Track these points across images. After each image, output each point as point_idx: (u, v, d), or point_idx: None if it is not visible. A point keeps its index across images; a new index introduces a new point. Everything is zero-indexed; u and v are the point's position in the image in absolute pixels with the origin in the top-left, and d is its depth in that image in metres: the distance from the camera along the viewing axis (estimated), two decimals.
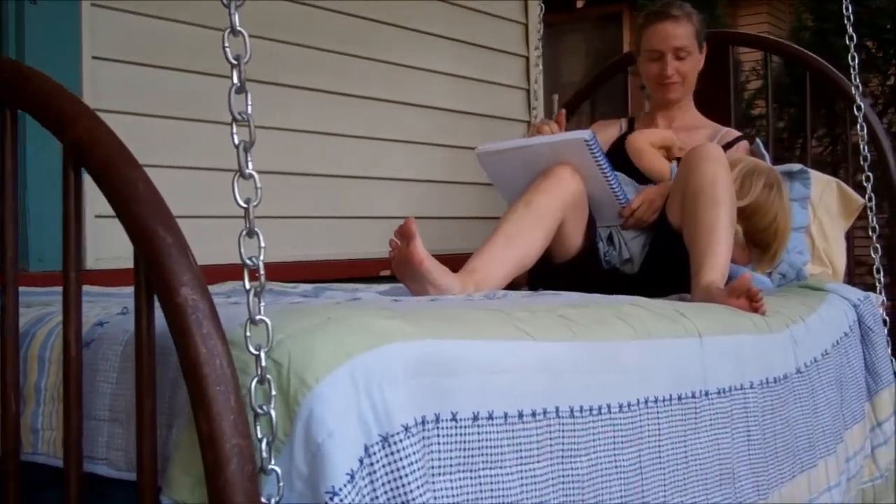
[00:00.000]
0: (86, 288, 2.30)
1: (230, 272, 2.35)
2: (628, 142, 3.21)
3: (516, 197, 2.82)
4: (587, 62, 10.60)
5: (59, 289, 2.16)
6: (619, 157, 3.23)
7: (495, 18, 4.63)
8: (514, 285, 2.91)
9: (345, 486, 1.23)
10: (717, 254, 2.59)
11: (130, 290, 2.21)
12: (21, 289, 1.61)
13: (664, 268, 2.89)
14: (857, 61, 3.36)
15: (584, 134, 2.82)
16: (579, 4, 9.85)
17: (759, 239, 2.94)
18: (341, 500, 1.22)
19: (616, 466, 1.74)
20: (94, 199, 2.90)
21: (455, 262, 2.58)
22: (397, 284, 2.59)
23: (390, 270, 3.87)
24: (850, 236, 3.54)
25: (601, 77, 4.35)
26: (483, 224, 4.33)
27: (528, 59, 4.79)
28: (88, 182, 3.00)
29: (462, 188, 4.31)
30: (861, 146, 3.34)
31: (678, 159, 3.01)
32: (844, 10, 3.37)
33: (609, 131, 3.47)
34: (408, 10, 4.11)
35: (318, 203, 3.75)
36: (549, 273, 2.91)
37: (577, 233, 2.89)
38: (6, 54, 2.86)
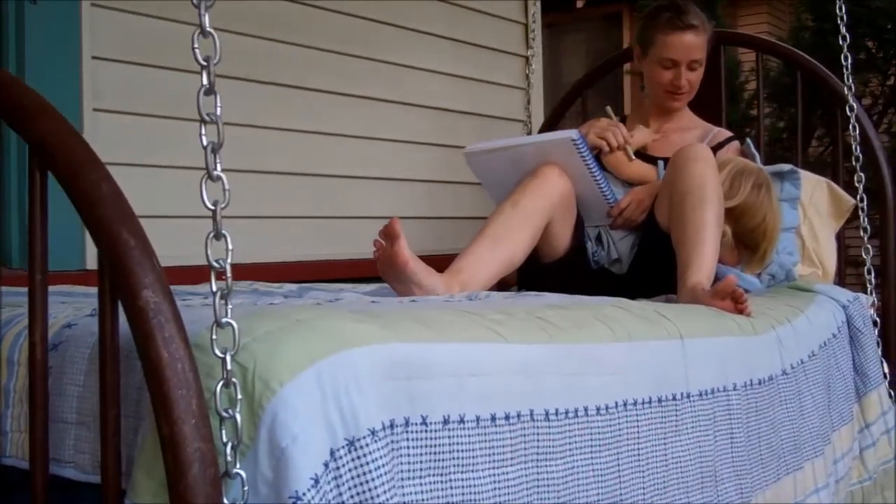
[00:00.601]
0: (67, 288, 2.30)
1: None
2: (605, 159, 3.19)
3: (504, 197, 2.81)
4: (587, 62, 10.58)
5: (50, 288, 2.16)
6: None
7: (495, 18, 4.64)
8: (503, 285, 2.90)
9: (308, 490, 1.22)
10: (704, 255, 2.58)
11: None
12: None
13: (652, 268, 2.89)
14: (850, 61, 3.35)
15: (572, 133, 2.82)
16: (579, 4, 9.83)
17: (747, 240, 2.93)
18: None
19: (593, 469, 1.73)
20: None
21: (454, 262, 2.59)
22: (384, 285, 2.58)
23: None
24: (842, 236, 3.53)
25: (596, 73, 4.34)
26: (482, 224, 4.32)
27: (527, 58, 4.79)
28: None
29: (461, 188, 4.31)
30: (853, 146, 3.34)
31: (666, 159, 3.00)
32: (837, 11, 3.36)
33: None
34: (407, 10, 4.13)
35: (317, 203, 3.76)
36: (537, 273, 2.91)
37: (566, 233, 2.89)
38: (6, 54, 2.86)
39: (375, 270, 3.82)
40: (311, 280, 3.06)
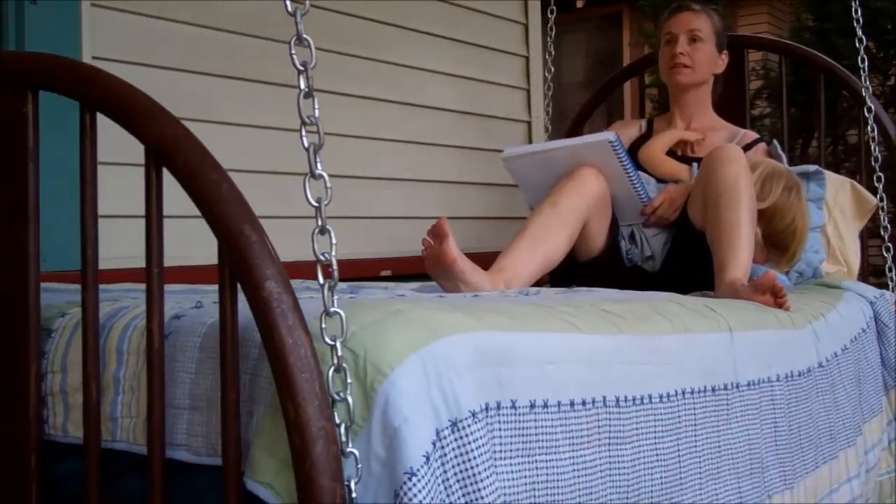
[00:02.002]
0: (131, 285, 2.38)
1: None
2: (641, 155, 3.29)
3: (541, 199, 2.89)
4: (588, 62, 10.67)
5: (113, 286, 2.24)
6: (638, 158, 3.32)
7: (495, 18, 4.68)
8: (538, 283, 2.98)
9: (421, 467, 1.31)
10: (740, 252, 2.67)
11: (184, 287, 2.30)
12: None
13: (685, 265, 2.97)
14: (866, 63, 3.44)
15: (609, 135, 2.89)
16: (579, 4, 9.91)
17: (777, 240, 3.01)
18: (418, 481, 1.30)
19: (657, 454, 1.81)
20: (102, 200, 2.94)
21: None
22: (427, 283, 2.65)
23: (391, 271, 3.94)
24: (864, 235, 3.61)
25: (613, 83, 4.41)
26: (483, 224, 4.37)
27: (528, 59, 4.83)
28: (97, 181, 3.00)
29: (462, 188, 4.36)
30: (871, 147, 3.41)
31: (699, 160, 3.09)
32: (854, 13, 3.45)
33: (629, 132, 3.54)
34: (408, 10, 4.16)
35: None
36: (572, 271, 2.98)
37: (601, 232, 2.96)
38: None
39: (376, 270, 3.89)
40: (312, 280, 3.11)
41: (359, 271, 3.72)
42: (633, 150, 3.40)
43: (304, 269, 3.51)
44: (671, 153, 3.32)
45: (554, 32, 4.64)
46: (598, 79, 5.48)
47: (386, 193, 4.08)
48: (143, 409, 1.49)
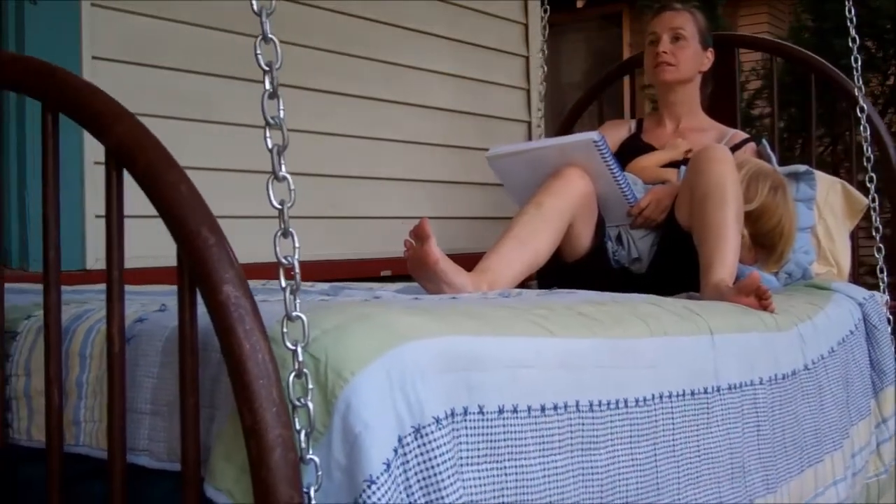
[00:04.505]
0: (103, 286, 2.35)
1: None
2: (629, 169, 3.26)
3: (526, 199, 2.87)
4: (587, 62, 10.65)
5: (87, 287, 2.22)
6: (627, 158, 3.29)
7: (495, 18, 4.68)
8: (523, 284, 2.96)
9: (381, 474, 1.29)
10: (726, 253, 2.64)
11: (160, 288, 2.28)
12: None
13: (672, 267, 2.95)
14: (859, 62, 3.41)
15: (593, 135, 2.87)
16: (579, 4, 9.89)
17: (765, 241, 2.99)
18: (378, 488, 1.28)
19: (633, 459, 1.79)
20: (94, 200, 2.96)
21: (455, 261, 2.63)
22: (411, 283, 2.63)
23: (391, 271, 3.93)
24: (853, 236, 3.59)
25: (604, 82, 4.39)
26: (483, 224, 4.36)
27: (528, 59, 4.82)
28: (88, 181, 2.96)
29: (461, 188, 4.35)
30: (864, 147, 3.39)
31: (686, 161, 3.06)
32: (847, 13, 3.42)
33: (618, 131, 3.53)
34: (408, 10, 4.16)
35: (317, 203, 3.78)
36: (559, 272, 2.96)
37: (587, 233, 2.94)
38: None
39: (376, 271, 3.87)
40: (313, 280, 3.10)
41: (359, 271, 3.71)
42: (624, 151, 3.39)
43: (309, 270, 3.54)
44: None
45: (543, 31, 4.61)
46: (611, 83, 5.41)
47: (386, 193, 4.08)
48: (105, 413, 1.47)
